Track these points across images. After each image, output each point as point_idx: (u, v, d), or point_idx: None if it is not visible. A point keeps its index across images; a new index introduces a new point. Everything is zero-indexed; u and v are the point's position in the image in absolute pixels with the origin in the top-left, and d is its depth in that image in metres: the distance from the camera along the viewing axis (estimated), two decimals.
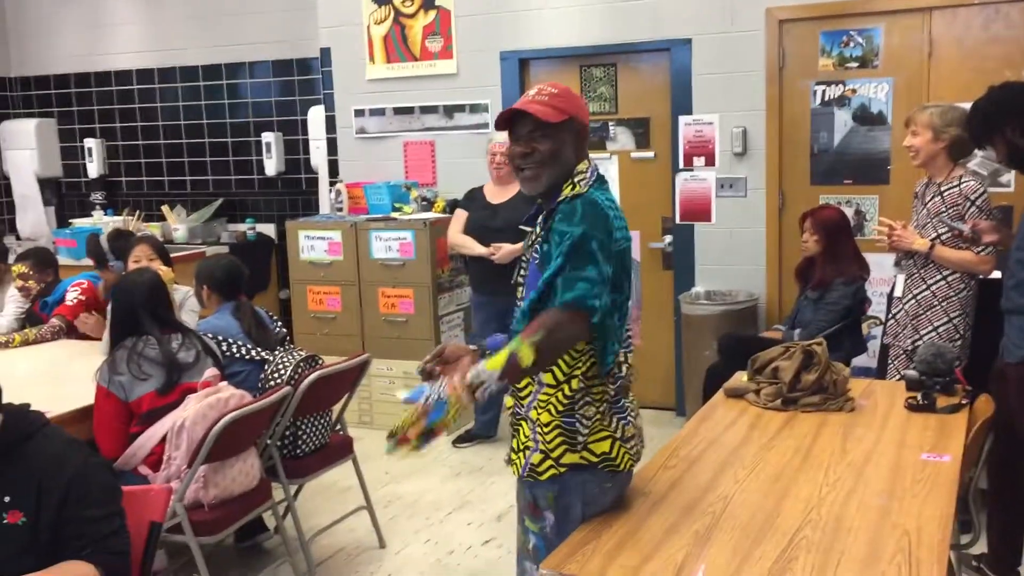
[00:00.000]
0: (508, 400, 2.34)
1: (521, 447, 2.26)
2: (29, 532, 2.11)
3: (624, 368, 2.26)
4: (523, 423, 2.27)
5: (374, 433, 5.42)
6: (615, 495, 2.29)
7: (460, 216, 5.16)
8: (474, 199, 5.16)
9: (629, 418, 2.28)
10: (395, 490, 4.66)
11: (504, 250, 4.88)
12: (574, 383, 2.19)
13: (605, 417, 2.22)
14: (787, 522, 2.16)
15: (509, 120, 2.25)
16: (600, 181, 2.26)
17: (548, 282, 2.11)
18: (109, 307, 4.19)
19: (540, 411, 2.22)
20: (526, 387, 2.25)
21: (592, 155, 2.36)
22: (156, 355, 3.21)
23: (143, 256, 4.21)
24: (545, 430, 2.21)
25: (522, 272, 2.34)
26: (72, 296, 4.53)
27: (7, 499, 2.10)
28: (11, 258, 5.32)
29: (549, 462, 2.21)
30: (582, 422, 2.20)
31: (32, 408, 2.28)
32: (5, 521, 2.10)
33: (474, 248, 5.00)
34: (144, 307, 3.26)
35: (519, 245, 4.85)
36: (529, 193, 2.30)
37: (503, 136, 5.09)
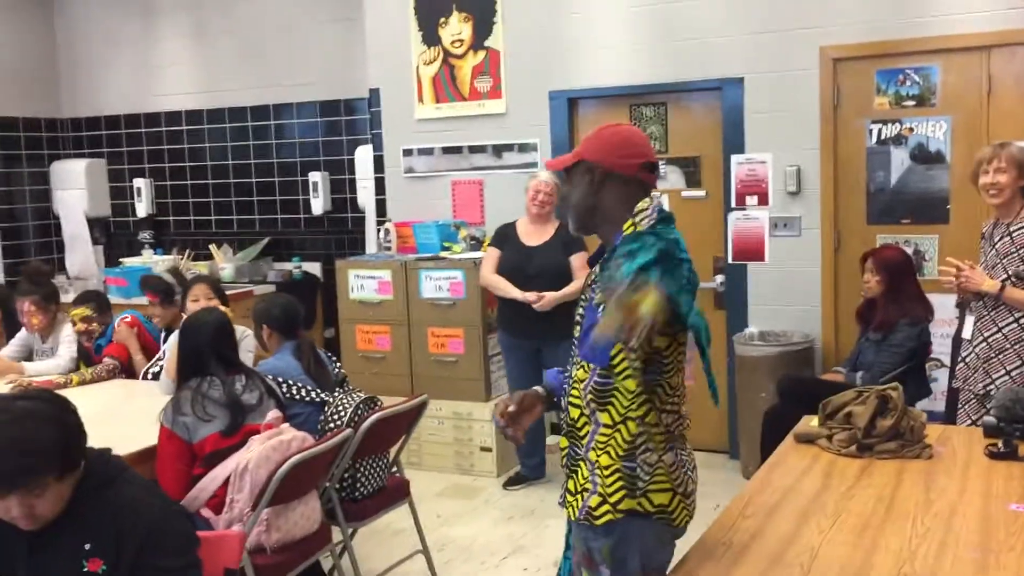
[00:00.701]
0: (562, 441, 2.31)
1: (579, 489, 2.21)
2: None
3: (672, 418, 2.20)
4: (582, 464, 2.21)
5: (422, 474, 5.39)
6: (672, 550, 2.24)
7: (492, 254, 5.12)
8: (507, 238, 5.12)
9: (688, 473, 2.23)
10: (447, 533, 4.60)
11: (547, 299, 4.83)
12: (632, 426, 2.15)
13: (672, 469, 2.17)
14: None
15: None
16: (665, 221, 2.19)
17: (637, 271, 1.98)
18: (169, 345, 4.23)
19: (599, 453, 2.17)
20: (584, 427, 2.21)
21: None
22: (220, 396, 3.20)
23: (201, 295, 4.22)
24: (605, 473, 2.16)
25: (580, 311, 2.30)
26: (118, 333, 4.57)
27: (88, 546, 2.08)
28: (62, 298, 5.36)
29: (607, 506, 2.15)
30: (643, 468, 2.15)
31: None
32: (86, 569, 2.07)
33: (509, 291, 4.95)
34: (210, 347, 3.26)
35: (561, 292, 4.84)
36: (572, 232, 2.39)
37: (547, 174, 5.15)
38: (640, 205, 2.21)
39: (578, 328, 2.29)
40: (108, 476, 2.13)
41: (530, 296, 4.84)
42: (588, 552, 2.21)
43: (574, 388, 2.24)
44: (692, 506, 2.24)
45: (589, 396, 2.19)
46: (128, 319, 4.67)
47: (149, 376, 4.42)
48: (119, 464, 2.20)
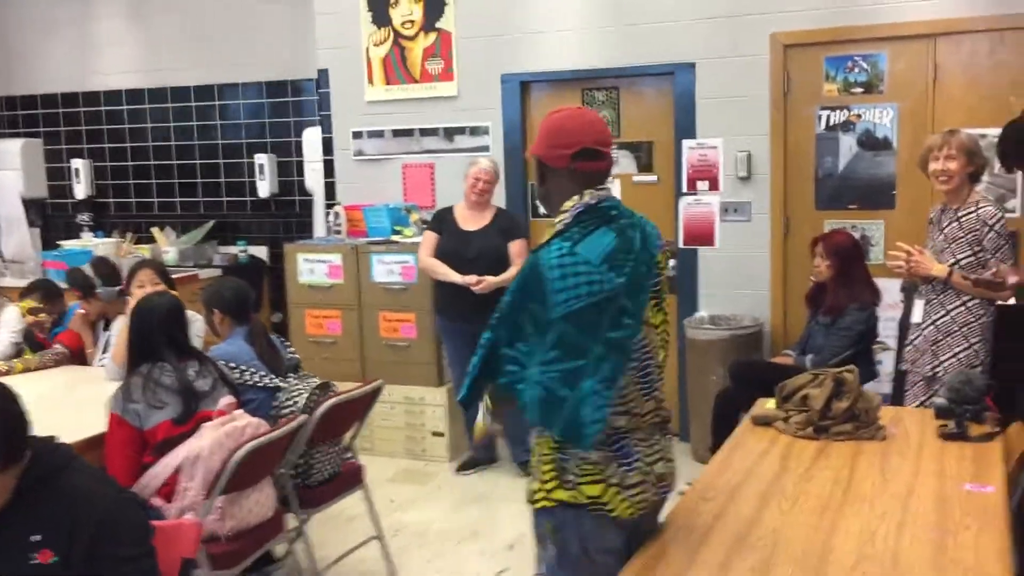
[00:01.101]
0: None
1: (530, 472, 2.30)
2: (60, 571, 2.02)
3: (624, 419, 2.17)
4: (535, 448, 2.26)
5: (376, 460, 5.34)
6: (621, 536, 2.20)
7: (430, 238, 5.09)
8: (445, 222, 5.09)
9: (637, 464, 2.18)
10: (401, 519, 4.57)
11: (487, 282, 4.81)
12: None
13: (602, 463, 2.15)
14: (843, 557, 2.12)
15: None
16: (585, 223, 2.13)
17: (485, 347, 2.20)
18: (114, 331, 4.12)
19: (540, 441, 2.23)
20: None
21: None
22: (172, 383, 3.12)
23: (147, 281, 4.10)
24: (544, 461, 2.21)
25: None
26: (73, 323, 4.45)
27: (37, 538, 2.01)
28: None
29: (542, 493, 2.22)
30: (575, 461, 2.16)
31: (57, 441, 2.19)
32: (35, 561, 2.01)
33: (449, 275, 4.93)
34: (161, 331, 3.16)
35: (502, 276, 4.85)
36: None
37: (486, 162, 5.14)
38: (565, 204, 2.17)
39: None
40: (55, 465, 2.06)
41: (470, 279, 4.83)
42: (538, 528, 2.28)
43: None
44: (639, 497, 2.18)
45: None
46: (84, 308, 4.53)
47: (97, 366, 4.32)
48: (67, 453, 2.13)
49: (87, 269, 4.63)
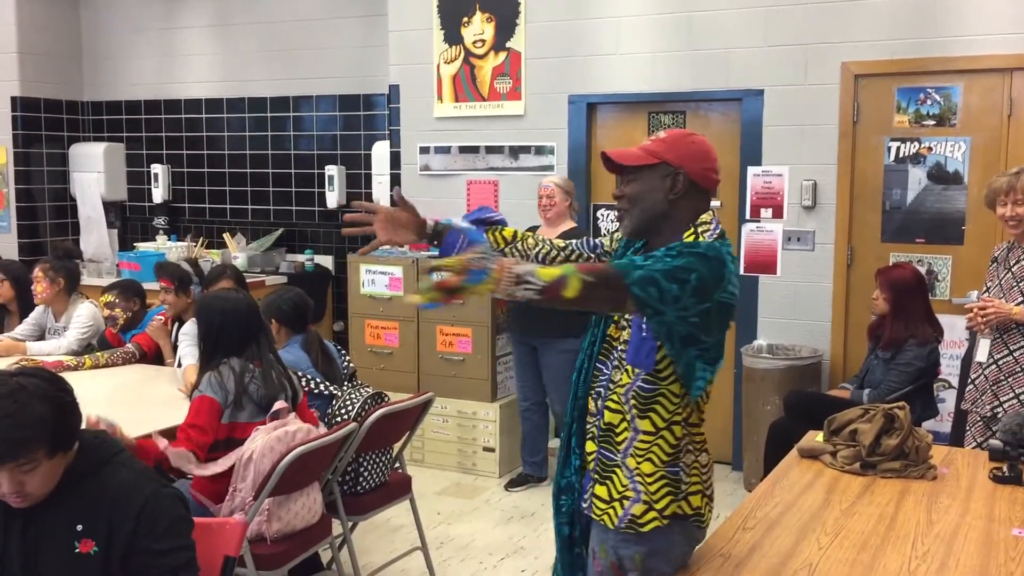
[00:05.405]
0: (590, 445, 2.25)
1: (617, 496, 2.16)
2: (101, 562, 2.09)
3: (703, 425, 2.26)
4: (618, 471, 2.17)
5: (426, 472, 5.40)
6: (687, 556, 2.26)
7: None
8: None
9: (711, 473, 2.29)
10: (446, 531, 4.61)
11: None
12: (677, 430, 2.15)
13: (701, 470, 2.22)
14: None
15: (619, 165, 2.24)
16: (723, 236, 2.17)
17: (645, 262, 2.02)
18: (182, 328, 4.24)
19: (640, 460, 2.14)
20: (622, 433, 2.17)
21: None
22: (255, 392, 3.20)
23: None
24: (648, 480, 2.14)
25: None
26: (151, 328, 4.55)
27: (80, 527, 2.08)
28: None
29: (653, 513, 2.14)
30: (684, 470, 2.17)
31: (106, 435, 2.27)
32: (78, 550, 2.08)
33: None
34: (234, 329, 3.24)
35: None
36: (623, 235, 2.31)
37: (554, 178, 5.19)
38: (704, 217, 2.17)
39: (624, 331, 2.19)
40: (100, 458, 2.14)
41: None
42: (618, 561, 2.19)
43: (613, 393, 2.19)
44: (709, 512, 2.26)
45: (632, 401, 2.15)
46: (164, 316, 4.63)
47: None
48: (112, 446, 2.20)
49: (184, 264, 4.72)
